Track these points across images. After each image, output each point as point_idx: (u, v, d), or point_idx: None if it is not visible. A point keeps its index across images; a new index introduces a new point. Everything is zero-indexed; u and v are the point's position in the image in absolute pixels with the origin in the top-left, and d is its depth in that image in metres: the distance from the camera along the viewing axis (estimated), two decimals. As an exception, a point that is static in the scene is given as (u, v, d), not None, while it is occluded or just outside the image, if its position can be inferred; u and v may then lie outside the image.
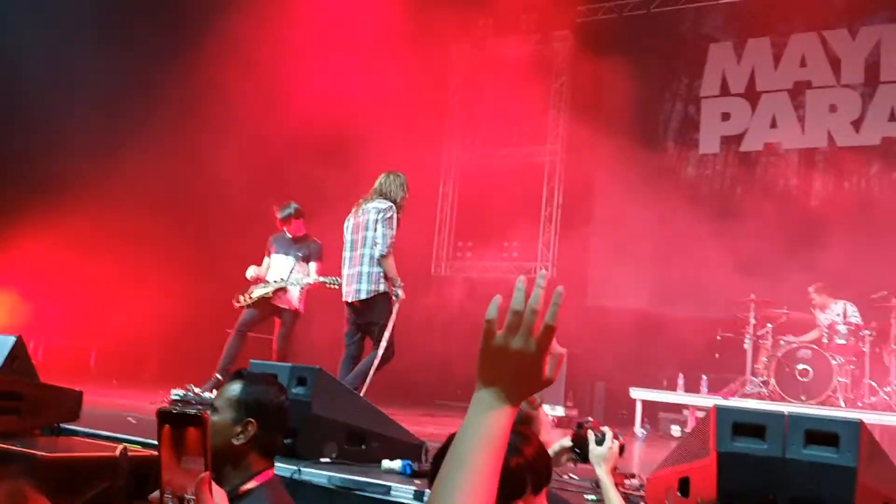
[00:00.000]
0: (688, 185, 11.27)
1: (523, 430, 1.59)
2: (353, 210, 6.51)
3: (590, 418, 3.72)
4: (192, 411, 1.17)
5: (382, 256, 6.14)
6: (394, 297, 6.19)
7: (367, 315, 6.24)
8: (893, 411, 7.73)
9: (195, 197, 10.13)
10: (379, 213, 6.22)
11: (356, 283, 6.25)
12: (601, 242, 11.38)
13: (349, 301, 6.30)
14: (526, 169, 11.95)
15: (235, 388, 2.58)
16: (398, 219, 6.29)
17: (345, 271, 6.41)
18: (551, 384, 1.21)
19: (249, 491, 2.37)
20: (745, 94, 11.19)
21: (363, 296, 6.20)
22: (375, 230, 6.19)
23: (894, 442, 6.99)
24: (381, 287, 6.20)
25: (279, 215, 7.44)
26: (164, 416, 1.17)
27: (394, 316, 6.14)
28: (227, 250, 9.29)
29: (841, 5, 10.61)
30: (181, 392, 6.70)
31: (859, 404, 7.97)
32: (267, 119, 9.93)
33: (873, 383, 8.15)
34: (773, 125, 10.97)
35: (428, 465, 3.97)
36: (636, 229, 10.62)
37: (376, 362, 6.03)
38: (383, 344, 6.06)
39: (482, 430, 1.16)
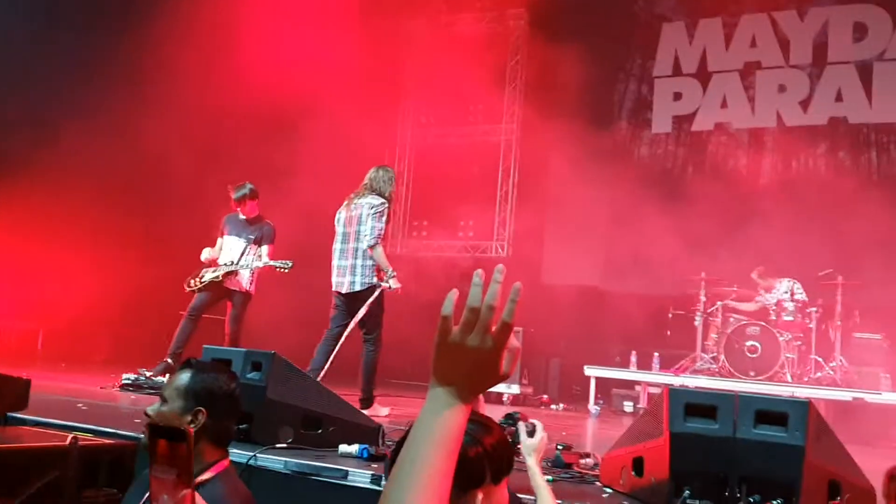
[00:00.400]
0: (641, 164, 11.39)
1: (484, 420, 1.59)
2: (345, 204, 6.69)
3: (518, 410, 3.77)
4: (177, 427, 1.17)
5: (370, 247, 6.36)
6: (386, 286, 6.27)
7: (360, 306, 6.40)
8: (838, 386, 7.95)
9: (140, 175, 9.88)
10: (372, 208, 6.45)
11: (350, 275, 6.48)
12: (556, 221, 11.46)
13: (342, 292, 6.50)
14: (481, 148, 11.95)
15: (184, 377, 2.53)
16: (389, 213, 6.57)
17: (336, 262, 6.59)
18: (506, 379, 1.20)
19: (204, 483, 2.33)
20: (697, 74, 11.31)
21: (357, 287, 6.42)
22: (366, 224, 6.44)
23: (839, 416, 7.19)
24: (374, 280, 6.45)
25: (234, 196, 7.34)
26: (154, 431, 1.17)
27: (371, 300, 6.34)
28: (175, 229, 9.14)
29: (791, -14, 10.77)
30: (132, 376, 6.59)
31: (805, 379, 8.19)
32: (214, 95, 9.70)
33: (819, 359, 8.38)
34: (724, 105, 11.12)
35: (385, 448, 3.97)
36: (591, 208, 10.71)
37: (376, 356, 6.41)
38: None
39: (437, 428, 1.15)
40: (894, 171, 9.96)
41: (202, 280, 7.21)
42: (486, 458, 1.53)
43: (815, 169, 10.47)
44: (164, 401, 2.50)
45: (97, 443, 3.59)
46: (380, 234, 6.40)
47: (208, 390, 2.51)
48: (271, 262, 7.11)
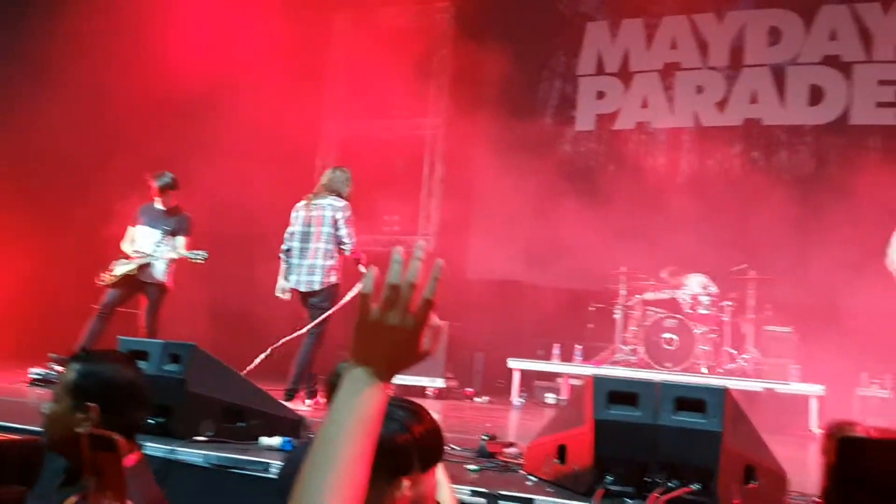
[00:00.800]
0: (565, 161, 11.53)
1: (417, 408, 1.57)
2: (304, 203, 6.89)
3: None
4: (108, 436, 1.12)
5: (352, 252, 6.74)
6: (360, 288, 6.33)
7: (316, 301, 6.67)
8: (750, 377, 8.24)
9: (39, 162, 9.44)
10: (337, 211, 6.72)
11: (310, 274, 6.71)
12: (481, 216, 11.51)
13: (302, 290, 6.74)
14: (406, 141, 11.91)
15: (71, 373, 2.40)
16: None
17: (295, 261, 6.79)
18: (427, 357, 1.19)
19: None
20: (619, 73, 11.52)
21: (316, 286, 6.67)
22: (337, 228, 6.71)
23: (751, 406, 7.43)
24: (333, 279, 6.72)
25: (156, 184, 7.14)
26: (93, 441, 1.12)
27: (340, 303, 6.66)
28: (75, 218, 8.80)
29: (710, -10, 11.06)
30: (41, 371, 6.35)
31: (719, 370, 8.46)
32: (120, 79, 9.34)
33: (732, 351, 8.67)
34: (645, 105, 11.35)
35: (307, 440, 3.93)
36: (515, 203, 10.79)
37: (314, 350, 6.61)
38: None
39: (356, 408, 1.13)
40: (804, 171, 10.34)
41: (114, 274, 6.99)
42: (414, 445, 1.51)
43: (730, 168, 10.79)
44: (55, 399, 2.37)
45: (4, 439, 3.45)
46: (355, 241, 6.77)
47: (100, 383, 2.37)
48: (185, 253, 6.95)
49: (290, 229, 6.87)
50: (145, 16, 9.42)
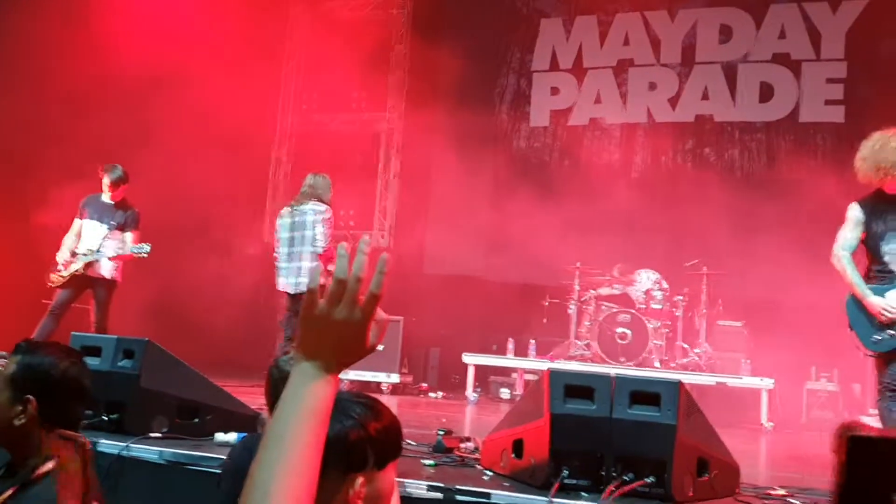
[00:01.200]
0: (520, 157, 11.59)
1: (375, 404, 1.56)
2: (288, 210, 7.31)
3: None
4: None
5: (323, 250, 7.00)
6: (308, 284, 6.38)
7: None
8: (703, 371, 8.37)
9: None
10: (318, 214, 7.10)
11: (298, 276, 7.07)
12: (438, 211, 11.51)
13: (291, 293, 7.10)
14: (363, 135, 11.85)
15: (10, 365, 2.36)
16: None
17: (282, 264, 7.19)
18: (374, 351, 1.20)
19: (45, 474, 2.19)
20: (573, 69, 11.59)
21: (303, 288, 6.88)
22: (315, 229, 7.07)
23: (703, 400, 7.56)
24: (320, 280, 6.71)
25: (108, 178, 6.98)
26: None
27: None
28: (16, 206, 8.59)
29: (662, -13, 11.19)
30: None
31: (672, 365, 8.58)
32: (68, 67, 9.09)
33: (685, 345, 8.79)
34: (598, 101, 11.45)
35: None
36: (471, 198, 10.82)
37: None
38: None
39: (305, 402, 1.13)
40: (755, 167, 10.53)
41: (62, 275, 6.85)
42: (368, 441, 1.49)
43: (683, 164, 10.94)
44: None
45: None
46: (330, 239, 7.05)
47: (37, 375, 2.33)
48: (131, 250, 6.84)
49: (277, 235, 7.29)
50: (96, 8, 9.21)
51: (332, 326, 1.14)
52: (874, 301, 4.28)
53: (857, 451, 0.57)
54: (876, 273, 4.40)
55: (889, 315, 4.21)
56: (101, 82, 9.13)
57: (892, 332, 4.22)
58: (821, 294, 6.45)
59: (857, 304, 4.39)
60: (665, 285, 9.04)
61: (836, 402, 8.29)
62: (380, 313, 1.15)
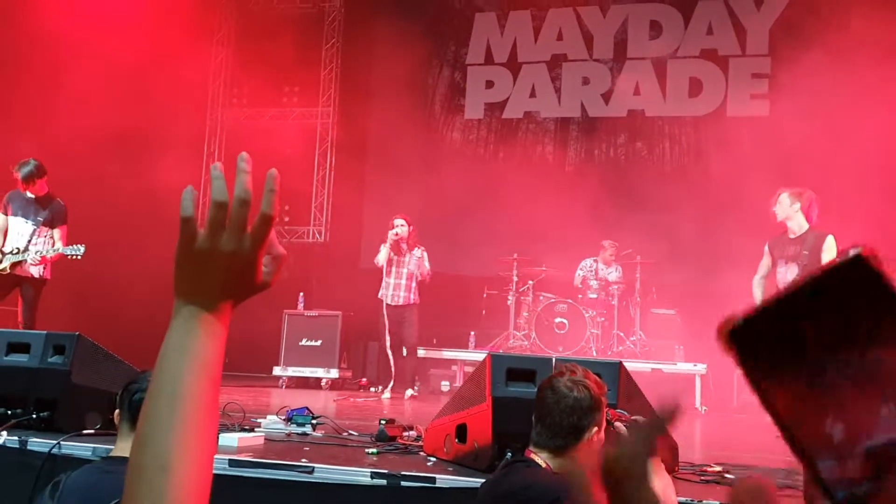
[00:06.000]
0: (455, 150, 11.61)
1: None
2: None
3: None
4: None
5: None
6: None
7: None
8: (638, 358, 8.52)
9: None
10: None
11: None
12: (374, 205, 11.44)
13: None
14: (297, 130, 11.69)
15: None
16: None
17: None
18: (267, 289, 1.00)
19: None
20: (508, 63, 11.67)
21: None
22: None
23: (639, 386, 7.70)
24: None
25: (19, 175, 6.72)
26: None
27: None
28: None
29: (594, -17, 11.35)
30: None
31: (609, 353, 8.71)
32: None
33: (621, 333, 8.95)
34: (533, 94, 11.55)
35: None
36: (407, 192, 10.79)
37: None
38: None
39: (193, 352, 0.94)
40: (685, 160, 10.77)
41: None
42: None
43: (616, 157, 11.12)
44: None
45: None
46: None
47: None
48: (62, 249, 6.60)
49: None
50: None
51: (216, 260, 0.94)
52: None
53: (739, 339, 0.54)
54: None
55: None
56: (21, 82, 8.83)
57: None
58: (747, 280, 6.66)
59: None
60: (602, 274, 9.19)
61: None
62: (276, 246, 0.98)
